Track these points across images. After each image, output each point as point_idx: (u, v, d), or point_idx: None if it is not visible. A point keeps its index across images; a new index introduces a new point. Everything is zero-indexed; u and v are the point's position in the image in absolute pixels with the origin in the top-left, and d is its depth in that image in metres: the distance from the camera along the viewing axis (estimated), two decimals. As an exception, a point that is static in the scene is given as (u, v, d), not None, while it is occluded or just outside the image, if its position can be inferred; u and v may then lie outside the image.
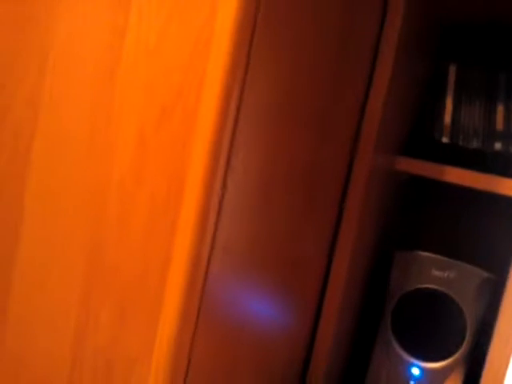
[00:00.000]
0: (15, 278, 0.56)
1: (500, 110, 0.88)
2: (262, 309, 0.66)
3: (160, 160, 0.49)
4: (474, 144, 0.89)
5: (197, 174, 0.48)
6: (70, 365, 0.54)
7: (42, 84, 0.54)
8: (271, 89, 0.54)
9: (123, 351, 0.51)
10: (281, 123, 0.59)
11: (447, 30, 0.97)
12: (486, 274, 0.84)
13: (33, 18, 0.54)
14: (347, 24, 0.68)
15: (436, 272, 0.86)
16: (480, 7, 0.84)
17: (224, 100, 0.47)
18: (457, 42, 0.98)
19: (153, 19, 0.49)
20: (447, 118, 0.91)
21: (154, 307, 0.50)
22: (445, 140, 0.92)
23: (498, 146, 0.87)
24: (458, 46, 0.98)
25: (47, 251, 0.54)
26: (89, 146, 0.52)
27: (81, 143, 0.53)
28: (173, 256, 0.49)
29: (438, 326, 0.86)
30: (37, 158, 0.55)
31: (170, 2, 0.48)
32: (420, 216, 1.04)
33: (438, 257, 0.86)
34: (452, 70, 0.91)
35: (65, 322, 0.54)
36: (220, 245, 0.51)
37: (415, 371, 0.86)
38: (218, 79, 0.46)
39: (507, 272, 0.75)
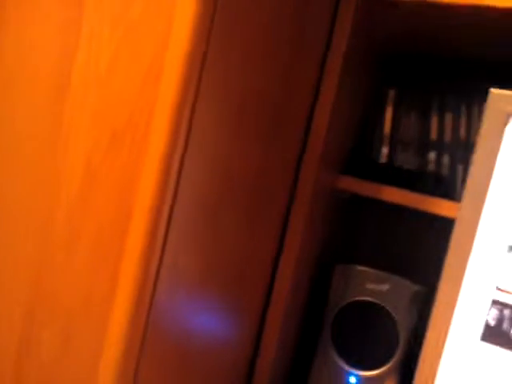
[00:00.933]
0: None
1: (434, 121, 0.94)
2: (208, 324, 0.66)
3: (108, 186, 0.49)
4: (410, 157, 0.95)
5: (145, 200, 0.48)
6: (13, 381, 0.53)
7: None
8: (221, 111, 0.55)
9: (67, 372, 0.51)
10: (230, 143, 0.59)
11: (388, 58, 1.04)
12: (416, 287, 0.88)
13: None
14: (296, 41, 0.70)
15: (371, 285, 0.90)
16: (419, 41, 0.91)
17: (174, 125, 0.47)
18: (396, 69, 1.04)
19: (104, 44, 0.48)
20: (386, 133, 0.96)
21: (99, 331, 0.49)
22: (382, 158, 0.97)
23: (432, 155, 0.94)
24: (398, 72, 1.04)
25: None
26: (37, 169, 0.51)
27: (29, 165, 0.52)
28: (119, 280, 0.49)
29: (373, 336, 0.90)
30: None
31: (123, 27, 0.48)
32: (359, 231, 1.09)
33: (373, 270, 0.90)
34: (391, 94, 0.96)
35: (8, 337, 0.53)
36: (167, 266, 0.51)
37: (352, 380, 0.90)
38: (169, 106, 0.47)
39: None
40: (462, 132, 0.93)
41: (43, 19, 0.51)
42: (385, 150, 0.98)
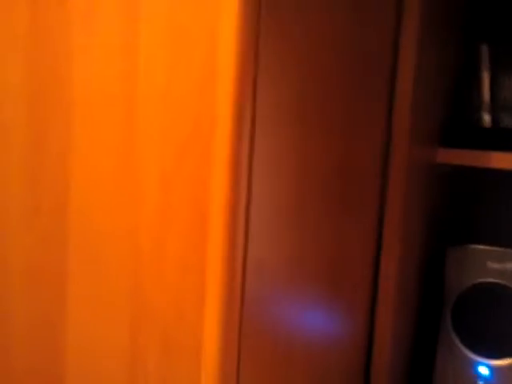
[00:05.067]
0: (67, 340, 0.58)
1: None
2: (309, 322, 0.64)
3: (183, 195, 0.50)
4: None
5: (220, 201, 0.49)
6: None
7: (70, 138, 0.56)
8: (282, 99, 0.54)
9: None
10: (303, 132, 0.58)
11: (474, 9, 0.94)
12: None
13: (52, 70, 0.56)
14: (364, 10, 0.67)
15: (493, 264, 0.83)
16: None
17: (237, 129, 0.48)
18: (485, 20, 0.95)
19: (160, 60, 0.50)
20: (486, 99, 0.87)
21: (195, 342, 0.50)
22: (486, 123, 0.88)
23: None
24: (487, 24, 0.94)
25: (94, 307, 0.56)
26: (116, 194, 0.54)
27: (109, 193, 0.54)
28: (207, 286, 0.50)
29: (502, 321, 0.83)
30: (74, 216, 0.56)
31: (174, 41, 0.50)
32: (470, 207, 1.01)
33: (493, 248, 0.84)
34: (484, 50, 0.87)
35: (119, 373, 0.55)
36: (252, 267, 0.52)
37: (483, 370, 0.83)
38: (229, 107, 0.48)
39: None
40: None
41: (101, 44, 0.54)
42: (486, 115, 0.88)
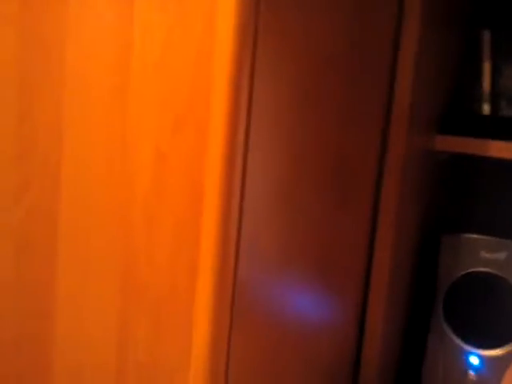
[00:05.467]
0: (56, 306, 0.58)
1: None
2: (301, 305, 0.64)
3: (178, 171, 0.50)
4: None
5: (214, 179, 0.48)
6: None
7: (61, 109, 0.55)
8: (283, 82, 0.53)
9: (162, 364, 0.52)
10: (301, 116, 0.57)
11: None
12: (541, 252, 0.79)
13: (44, 47, 0.55)
14: None
15: (486, 254, 0.82)
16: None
17: (234, 102, 0.47)
18: (487, 6, 0.93)
19: (156, 29, 0.49)
20: (486, 87, 0.86)
21: (187, 316, 0.50)
22: (485, 111, 0.87)
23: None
24: (489, 10, 0.92)
25: (83, 273, 0.56)
26: (109, 161, 0.53)
27: (100, 159, 0.54)
28: (199, 264, 0.49)
29: (493, 311, 0.83)
30: (65, 191, 0.56)
31: (171, 14, 0.49)
32: (465, 196, 1.00)
33: (487, 237, 0.83)
34: (486, 36, 0.86)
35: (107, 345, 0.55)
36: (246, 246, 0.51)
37: (474, 360, 0.82)
38: (225, 82, 0.47)
39: None
40: None
41: (97, 16, 0.53)
42: (486, 103, 0.87)
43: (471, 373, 0.83)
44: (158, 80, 0.50)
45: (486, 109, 0.87)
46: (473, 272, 0.84)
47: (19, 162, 0.57)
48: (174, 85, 0.49)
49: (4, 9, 0.55)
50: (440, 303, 0.85)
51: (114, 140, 0.53)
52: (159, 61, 0.49)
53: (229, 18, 0.46)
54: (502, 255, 0.82)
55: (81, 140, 0.54)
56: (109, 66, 0.52)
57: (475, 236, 0.84)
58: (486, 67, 0.87)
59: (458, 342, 0.84)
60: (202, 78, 0.48)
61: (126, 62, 0.51)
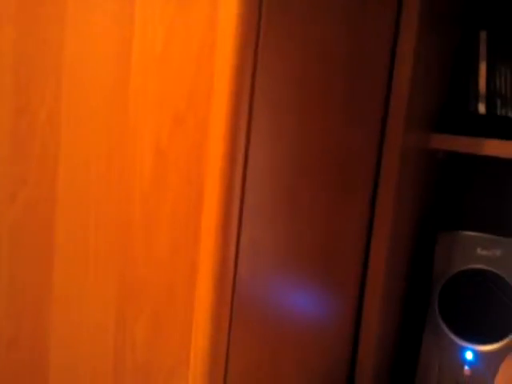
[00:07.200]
0: (52, 305, 0.57)
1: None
2: (299, 304, 0.64)
3: (178, 167, 0.49)
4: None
5: (214, 177, 0.47)
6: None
7: (59, 104, 0.54)
8: (285, 80, 0.53)
9: (160, 363, 0.52)
10: (302, 114, 0.57)
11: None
12: (535, 250, 0.80)
13: (45, 40, 0.54)
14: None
15: (482, 251, 0.83)
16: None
17: (235, 99, 0.46)
18: (484, 7, 0.94)
19: (157, 24, 0.49)
20: (482, 86, 0.87)
21: (186, 315, 0.50)
22: (481, 110, 0.88)
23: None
24: (487, 11, 0.93)
25: (80, 271, 0.55)
26: (108, 157, 0.52)
27: (100, 155, 0.53)
28: (199, 263, 0.49)
29: (488, 307, 0.83)
30: (62, 187, 0.55)
31: (172, 9, 0.48)
32: (461, 194, 1.01)
33: (483, 235, 0.83)
34: (482, 36, 0.87)
35: (104, 345, 0.54)
36: (246, 245, 0.51)
37: (469, 355, 0.83)
38: (227, 79, 0.46)
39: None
40: None
41: (98, 10, 0.52)
42: (481, 102, 0.88)
43: (466, 368, 0.83)
44: (159, 76, 0.49)
45: (482, 108, 0.88)
46: (468, 269, 0.84)
47: (15, 158, 0.56)
48: (174, 81, 0.48)
49: (3, 3, 0.55)
50: (435, 299, 0.85)
51: (113, 136, 0.52)
52: (160, 56, 0.48)
53: (231, 15, 0.45)
54: (497, 252, 0.82)
55: (79, 136, 0.53)
56: (109, 61, 0.51)
57: (471, 233, 0.84)
58: (482, 67, 0.88)
59: (453, 337, 0.84)
60: (203, 75, 0.47)
61: (127, 57, 0.50)
